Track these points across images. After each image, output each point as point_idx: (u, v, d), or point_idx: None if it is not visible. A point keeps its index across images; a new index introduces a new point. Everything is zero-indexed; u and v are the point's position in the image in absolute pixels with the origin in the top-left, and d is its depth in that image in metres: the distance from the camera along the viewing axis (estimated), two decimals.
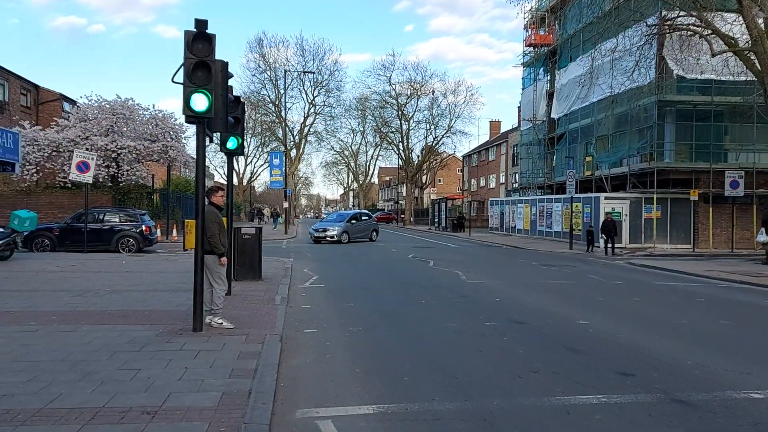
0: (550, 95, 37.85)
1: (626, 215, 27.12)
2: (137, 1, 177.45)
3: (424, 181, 70.29)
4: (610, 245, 23.15)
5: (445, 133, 60.82)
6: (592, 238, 24.36)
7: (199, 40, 7.07)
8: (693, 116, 26.77)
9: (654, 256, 22.34)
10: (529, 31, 39.35)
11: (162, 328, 7.60)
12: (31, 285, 11.50)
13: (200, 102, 7.04)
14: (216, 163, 69.94)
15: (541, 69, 39.53)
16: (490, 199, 48.70)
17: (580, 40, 32.53)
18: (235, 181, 76.09)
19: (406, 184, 66.30)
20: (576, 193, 27.08)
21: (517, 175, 51.22)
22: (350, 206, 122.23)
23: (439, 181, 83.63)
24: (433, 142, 61.81)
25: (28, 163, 27.47)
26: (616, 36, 22.49)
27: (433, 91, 59.81)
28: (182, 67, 7.22)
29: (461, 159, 74.10)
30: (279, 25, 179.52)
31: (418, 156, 65.66)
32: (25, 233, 19.02)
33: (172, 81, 7.60)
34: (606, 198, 27.42)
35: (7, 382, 5.17)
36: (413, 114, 61.98)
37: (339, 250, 24.43)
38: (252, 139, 69.06)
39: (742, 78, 22.84)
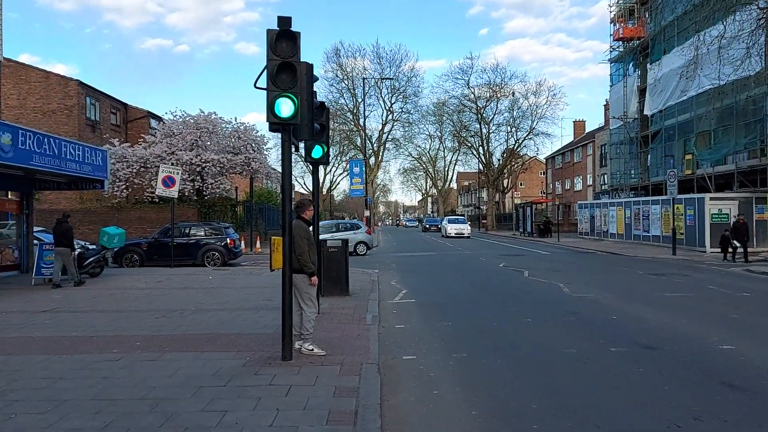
0: (642, 91, 35.47)
1: (734, 216, 24.65)
2: (219, 20, 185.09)
3: (505, 185, 68.30)
4: (741, 250, 20.50)
5: (527, 135, 58.79)
6: (727, 243, 21.44)
7: (283, 40, 6.41)
8: None
9: (757, 261, 20.01)
10: (617, 25, 37.11)
11: (249, 355, 6.97)
12: (117, 305, 11.31)
13: (285, 107, 6.37)
14: (296, 172, 70.81)
15: (631, 64, 37.15)
16: (579, 202, 46.37)
17: (675, 31, 30.24)
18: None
19: (487, 189, 64.61)
20: (676, 194, 24.93)
21: (606, 176, 48.57)
22: (429, 212, 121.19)
23: (521, 184, 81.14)
24: (514, 145, 59.88)
25: (117, 180, 28.42)
26: (721, 22, 20.40)
27: (513, 93, 58.04)
28: (265, 70, 6.59)
29: (544, 161, 71.52)
30: (355, 36, 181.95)
31: (499, 159, 63.85)
32: (114, 249, 19.37)
33: (255, 86, 6.98)
34: (711, 198, 25.10)
35: (84, 427, 4.62)
36: (493, 117, 60.36)
37: (425, 259, 23.55)
38: (331, 148, 69.36)
39: None
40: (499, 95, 58.66)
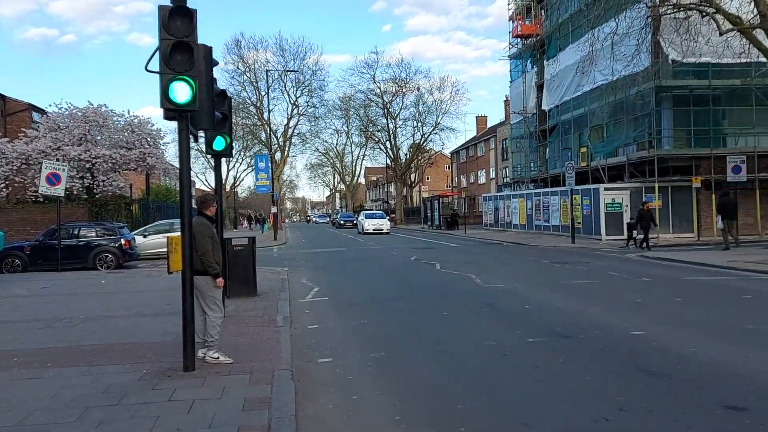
0: (540, 87, 36.88)
1: (627, 206, 26.15)
2: (110, 9, 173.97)
3: (413, 180, 69.15)
4: (641, 237, 20.48)
5: (433, 130, 59.81)
6: (631, 233, 21.98)
7: (177, 17, 5.78)
8: (690, 101, 25.86)
9: (660, 246, 21.30)
10: (515, 23, 38.34)
11: (146, 367, 6.29)
12: None
13: (181, 92, 5.75)
14: (197, 169, 68.11)
15: (529, 61, 38.54)
16: (483, 194, 47.69)
17: (569, 29, 31.59)
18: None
19: (395, 183, 65.12)
20: (574, 185, 26.05)
21: (507, 169, 50.28)
22: (337, 208, 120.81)
23: (428, 179, 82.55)
24: (420, 140, 60.72)
25: None
26: (614, 19, 21.42)
27: (418, 88, 58.78)
28: (157, 51, 5.93)
29: (449, 156, 73.11)
30: (255, 28, 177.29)
31: (406, 154, 64.52)
32: None
33: (147, 70, 6.28)
34: (606, 189, 26.44)
35: None
36: (399, 112, 60.92)
37: (335, 255, 23.15)
38: (234, 143, 67.34)
39: (742, 60, 22.01)
40: (404, 90, 59.28)
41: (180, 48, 5.73)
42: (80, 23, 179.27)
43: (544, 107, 35.90)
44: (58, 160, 23.88)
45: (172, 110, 5.82)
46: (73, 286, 14.38)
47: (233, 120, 51.89)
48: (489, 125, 67.65)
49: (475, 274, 14.38)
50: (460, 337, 7.63)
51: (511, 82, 41.99)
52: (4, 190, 26.88)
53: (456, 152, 70.12)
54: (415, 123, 61.41)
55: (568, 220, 28.35)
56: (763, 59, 20.19)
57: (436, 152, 67.22)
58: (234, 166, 72.34)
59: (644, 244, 20.44)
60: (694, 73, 25.30)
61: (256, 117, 57.95)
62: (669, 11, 19.34)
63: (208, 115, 6.93)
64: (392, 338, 7.80)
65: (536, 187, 37.05)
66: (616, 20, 20.87)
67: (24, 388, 5.62)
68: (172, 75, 5.69)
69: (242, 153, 68.87)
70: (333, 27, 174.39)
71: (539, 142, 37.49)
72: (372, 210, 51.81)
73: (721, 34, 17.81)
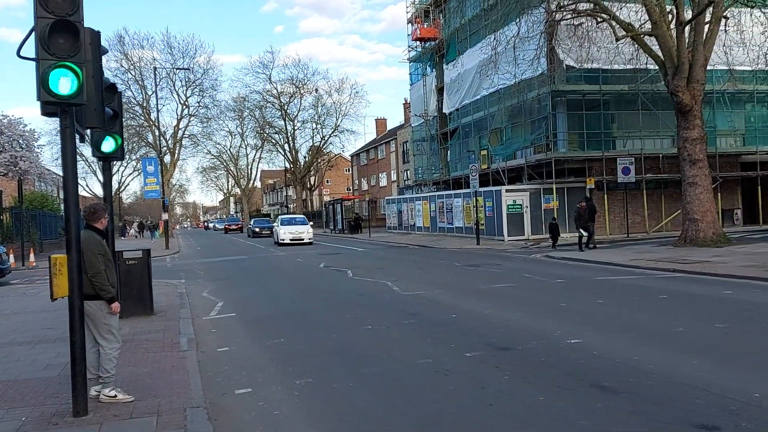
0: (440, 90, 37.38)
1: (527, 207, 26.94)
2: None
3: (312, 183, 68.10)
4: (586, 236, 19.50)
5: (333, 132, 59.20)
6: (556, 233, 21.83)
7: None
8: (583, 106, 27.06)
9: (560, 246, 22.02)
10: (414, 26, 38.61)
11: (25, 414, 5.19)
12: None
13: (65, 81, 4.76)
14: (80, 173, 62.98)
15: (429, 64, 38.96)
16: (386, 197, 47.69)
17: (468, 33, 32.18)
18: (101, 191, 69.35)
19: (295, 187, 63.81)
20: (478, 187, 26.43)
21: (408, 172, 50.71)
22: (232, 212, 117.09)
23: (328, 182, 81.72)
24: (320, 142, 59.87)
25: None
26: (515, 23, 21.91)
27: (317, 89, 57.94)
28: (33, 33, 4.89)
29: (349, 158, 72.78)
30: (138, 25, 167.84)
31: (305, 157, 63.43)
32: None
33: (18, 56, 5.21)
34: (507, 191, 27.09)
35: None
36: (297, 113, 59.74)
37: (236, 264, 21.90)
38: None
39: (630, 66, 23.31)
40: (302, 91, 58.27)
41: (62, 28, 4.73)
42: None
43: (445, 110, 36.39)
44: None
45: (53, 103, 4.81)
46: None
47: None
48: (389, 128, 68.06)
49: (390, 280, 13.91)
50: (390, 355, 7.06)
51: (411, 85, 42.28)
52: None
53: (356, 155, 69.95)
54: (314, 125, 60.64)
55: (471, 222, 28.79)
56: (650, 66, 21.49)
57: (336, 155, 66.71)
58: (119, 170, 67.87)
59: (589, 244, 19.59)
60: (585, 78, 26.49)
61: (142, 118, 54.61)
62: (566, 17, 19.99)
63: (96, 111, 5.90)
64: (315, 359, 7.09)
65: (438, 189, 37.48)
66: (518, 24, 21.34)
67: None
68: (52, 61, 4.68)
69: (128, 156, 64.64)
70: (223, 26, 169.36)
71: (440, 144, 37.96)
72: (293, 215, 42.82)
73: (617, 40, 18.63)
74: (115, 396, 5.55)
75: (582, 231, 19.72)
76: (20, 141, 26.43)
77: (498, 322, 8.60)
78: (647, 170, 26.99)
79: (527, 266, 16.24)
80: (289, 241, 32.00)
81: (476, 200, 26.15)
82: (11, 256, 21.22)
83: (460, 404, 5.19)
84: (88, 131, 6.96)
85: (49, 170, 36.25)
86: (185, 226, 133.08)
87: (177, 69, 50.99)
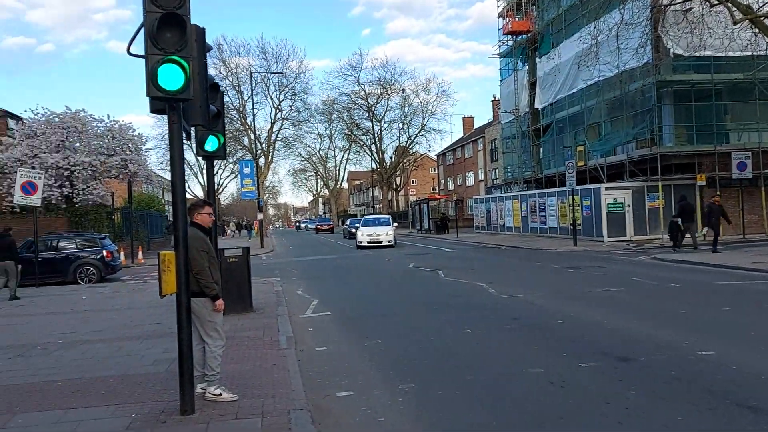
0: (532, 84, 36.15)
1: (629, 205, 25.42)
2: (89, 17, 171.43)
3: (398, 183, 68.20)
4: (710, 237, 17.89)
5: (419, 132, 58.91)
6: (678, 231, 19.48)
7: None
8: (691, 96, 25.15)
9: (666, 247, 20.51)
10: (506, 19, 37.60)
11: (135, 410, 5.24)
12: None
13: (173, 76, 4.72)
14: None
15: (520, 58, 37.81)
16: (474, 197, 46.85)
17: (563, 24, 30.88)
18: (201, 193, 72.95)
19: (381, 187, 64.14)
20: (575, 185, 25.20)
21: (497, 170, 49.59)
22: (320, 213, 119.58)
23: (413, 182, 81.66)
24: (407, 142, 59.77)
25: None
26: (617, 10, 20.66)
27: (404, 90, 57.84)
28: (142, 29, 4.91)
29: (435, 158, 72.32)
30: (233, 34, 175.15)
31: (391, 157, 63.60)
32: None
33: (128, 53, 5.27)
34: (607, 188, 25.67)
35: None
36: (384, 114, 59.91)
37: (327, 263, 22.10)
38: None
39: (746, 53, 21.39)
40: (389, 92, 58.34)
41: (170, 22, 4.70)
42: (59, 32, 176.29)
43: (537, 105, 35.15)
44: (34, 167, 22.59)
45: (161, 98, 4.79)
46: (52, 303, 13.23)
47: None
48: (476, 126, 66.99)
49: (485, 282, 13.41)
50: (496, 362, 6.64)
51: (501, 80, 41.24)
52: None
53: (442, 154, 69.33)
54: (400, 125, 60.57)
55: (567, 222, 27.60)
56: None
57: (422, 155, 66.39)
58: (217, 172, 71.02)
59: (716, 245, 17.83)
60: (695, 67, 24.65)
61: (239, 122, 56.67)
62: (675, 2, 18.62)
63: (202, 109, 5.91)
64: (416, 364, 6.79)
65: (530, 188, 36.29)
66: (621, 11, 20.11)
67: None
68: (161, 56, 4.66)
69: (226, 158, 67.52)
70: (312, 32, 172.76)
71: (532, 141, 36.75)
72: (374, 215, 41.90)
73: (734, 24, 17.12)
74: (221, 395, 5.50)
75: (693, 230, 18.39)
76: (129, 145, 27.98)
77: (612, 330, 7.93)
78: (766, 165, 24.77)
79: (634, 269, 15.18)
80: (366, 244, 29.55)
81: (573, 199, 24.96)
82: (122, 253, 22.51)
83: (583, 421, 4.69)
84: (193, 129, 7.04)
85: (155, 173, 38.33)
86: (277, 226, 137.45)
87: (271, 73, 52.62)
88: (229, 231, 68.64)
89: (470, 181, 60.29)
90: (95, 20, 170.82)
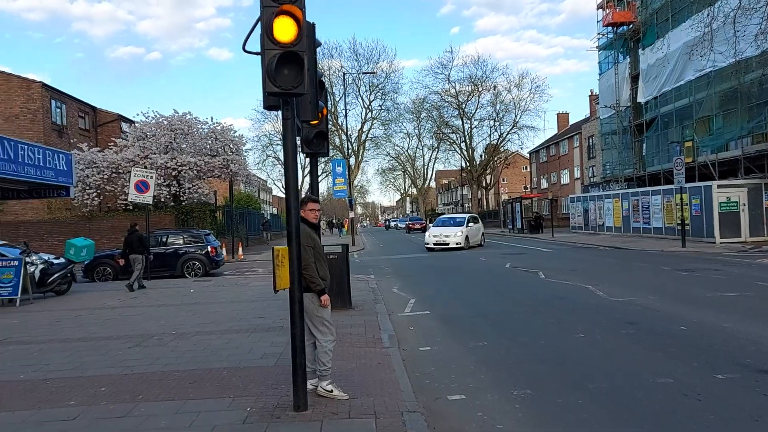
0: (634, 78, 34.33)
1: (744, 204, 23.52)
2: (191, 27, 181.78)
3: (488, 182, 67.03)
4: None
5: (511, 129, 57.51)
6: None
7: None
8: None
9: None
10: (606, 11, 35.92)
11: (249, 403, 5.29)
12: (82, 330, 9.53)
13: (290, 70, 4.71)
14: (275, 175, 68.89)
15: (621, 50, 35.98)
16: (570, 195, 45.15)
17: (670, 12, 29.05)
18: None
19: (470, 186, 63.26)
20: (684, 182, 23.59)
21: (594, 168, 47.60)
22: (407, 212, 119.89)
23: (504, 180, 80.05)
24: (498, 140, 58.55)
25: (88, 187, 26.41)
26: None
27: (495, 87, 56.66)
28: (258, 25, 4.95)
29: (528, 156, 70.46)
30: (327, 35, 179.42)
31: (481, 156, 62.56)
32: (84, 262, 17.47)
33: (244, 50, 5.34)
34: (719, 186, 23.87)
35: None
36: (475, 112, 58.96)
37: (420, 261, 21.96)
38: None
39: None
40: (480, 89, 57.36)
41: (286, 15, 4.68)
42: (165, 41, 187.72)
43: (640, 99, 33.33)
44: (145, 167, 24.00)
45: (276, 94, 4.79)
46: (162, 295, 13.91)
47: (306, 127, 51.95)
48: (571, 122, 64.62)
49: (591, 284, 12.75)
50: (618, 370, 6.21)
51: (599, 74, 39.47)
52: (96, 198, 27.42)
53: (535, 152, 67.41)
54: (491, 123, 59.39)
55: (673, 222, 25.98)
56: None
57: (513, 152, 64.80)
58: (309, 171, 72.80)
59: None
60: None
61: (330, 122, 57.78)
62: None
63: (311, 105, 5.90)
64: (527, 368, 6.49)
65: (631, 186, 34.48)
66: None
67: None
68: (278, 50, 4.66)
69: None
70: (400, 32, 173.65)
71: (634, 137, 34.90)
72: (451, 214, 38.83)
73: None
74: (332, 391, 5.47)
75: None
76: (231, 146, 29.23)
77: (745, 339, 7.23)
78: None
79: (757, 273, 13.93)
80: (433, 246, 27.18)
81: (681, 197, 23.41)
82: (224, 249, 23.48)
83: None
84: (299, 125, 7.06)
85: (254, 175, 39.83)
86: (365, 224, 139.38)
87: (363, 73, 53.24)
88: (321, 229, 70.30)
89: (565, 179, 58.27)
90: (197, 29, 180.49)
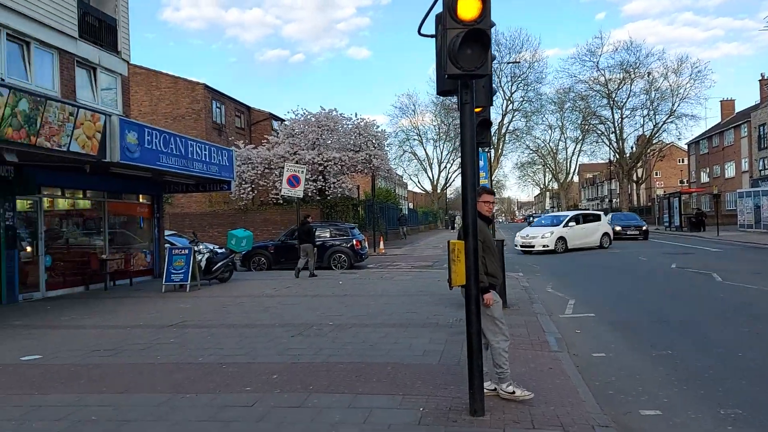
0: None
1: None
2: (333, 28, 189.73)
3: (639, 175, 62.52)
4: None
5: (668, 119, 53.04)
6: None
7: None
8: None
9: None
10: None
11: (421, 403, 5.05)
12: (247, 317, 9.96)
13: (472, 50, 4.38)
14: (411, 170, 69.71)
15: None
16: (738, 190, 40.74)
17: None
18: (429, 187, 75.37)
19: (619, 180, 59.36)
20: None
21: (765, 160, 42.60)
22: (547, 208, 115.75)
23: (656, 174, 74.32)
24: (652, 130, 54.30)
25: (243, 182, 28.11)
26: None
27: (649, 73, 52.54)
28: (435, 7, 4.67)
29: (685, 147, 64.73)
30: None
31: (632, 147, 58.46)
32: (242, 252, 18.55)
33: (420, 33, 5.13)
34: None
35: None
36: (626, 100, 55.10)
37: (570, 261, 20.77)
38: (445, 145, 67.87)
39: None
40: (633, 76, 53.49)
41: None
42: (308, 42, 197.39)
43: None
44: (296, 163, 25.07)
45: (458, 76, 4.47)
46: (314, 286, 14.31)
47: (445, 122, 51.37)
48: (737, 110, 58.31)
49: None
50: None
51: None
52: (251, 193, 29.16)
53: (695, 143, 61.67)
54: (644, 112, 55.19)
55: None
56: None
57: (667, 144, 59.78)
58: (446, 166, 72.68)
59: None
60: None
61: None
62: None
63: (485, 90, 5.52)
64: (730, 384, 5.64)
65: None
66: None
67: (288, 423, 4.70)
68: (461, 29, 4.34)
69: (453, 154, 68.67)
70: (541, 20, 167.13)
71: None
72: (557, 213, 36.41)
73: None
74: (514, 392, 5.12)
75: None
76: (373, 141, 29.71)
77: None
78: None
79: None
80: (520, 248, 24.38)
81: None
82: (366, 243, 23.89)
83: None
84: None
85: (393, 169, 40.38)
86: (499, 220, 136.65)
87: (507, 63, 51.94)
88: (457, 225, 69.92)
89: (730, 173, 52.73)
90: (338, 29, 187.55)
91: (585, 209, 78.27)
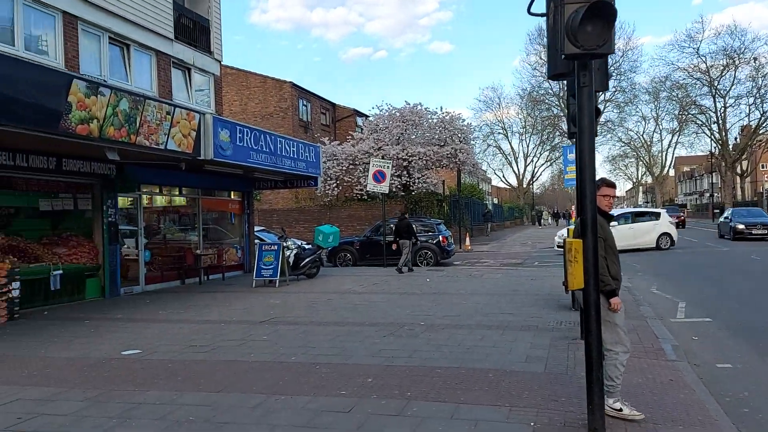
0: None
1: None
2: (414, 23, 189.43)
3: (744, 168, 58.11)
4: None
5: None
6: None
7: None
8: None
9: None
10: None
11: (531, 418, 4.61)
12: (336, 315, 9.81)
13: (594, 29, 3.89)
14: (496, 164, 68.46)
15: None
16: None
17: None
18: (514, 182, 73.50)
19: (722, 173, 55.38)
20: None
21: None
22: (639, 203, 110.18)
23: (763, 166, 68.89)
24: (759, 119, 50.22)
25: (329, 178, 28.34)
26: None
27: (756, 59, 48.54)
28: None
29: None
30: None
31: (736, 138, 54.39)
32: (329, 248, 18.61)
33: (529, 13, 4.71)
34: None
35: None
36: (730, 89, 51.24)
37: (675, 259, 19.37)
38: (531, 138, 66.03)
39: None
40: (737, 62, 49.64)
41: None
42: (390, 39, 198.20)
43: None
44: (383, 158, 24.98)
45: (577, 56, 4.00)
46: (401, 283, 14.07)
47: (532, 115, 49.43)
48: None
49: None
50: None
51: None
52: (336, 188, 29.38)
53: None
54: (750, 100, 51.11)
55: None
56: None
57: None
58: (532, 160, 70.75)
59: None
60: None
61: (558, 108, 54.99)
62: None
63: (601, 72, 4.97)
64: None
65: None
66: None
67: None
68: (582, 3, 3.86)
69: (540, 147, 66.70)
70: (634, 6, 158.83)
71: None
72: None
73: None
74: (621, 410, 4.59)
75: None
76: (459, 135, 29.14)
77: None
78: None
79: None
80: (557, 248, 22.29)
81: None
82: (452, 239, 23.42)
83: None
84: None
85: (481, 168, 39.55)
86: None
87: None
88: (543, 220, 67.98)
89: None
90: (420, 25, 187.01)
91: (683, 204, 73.71)
